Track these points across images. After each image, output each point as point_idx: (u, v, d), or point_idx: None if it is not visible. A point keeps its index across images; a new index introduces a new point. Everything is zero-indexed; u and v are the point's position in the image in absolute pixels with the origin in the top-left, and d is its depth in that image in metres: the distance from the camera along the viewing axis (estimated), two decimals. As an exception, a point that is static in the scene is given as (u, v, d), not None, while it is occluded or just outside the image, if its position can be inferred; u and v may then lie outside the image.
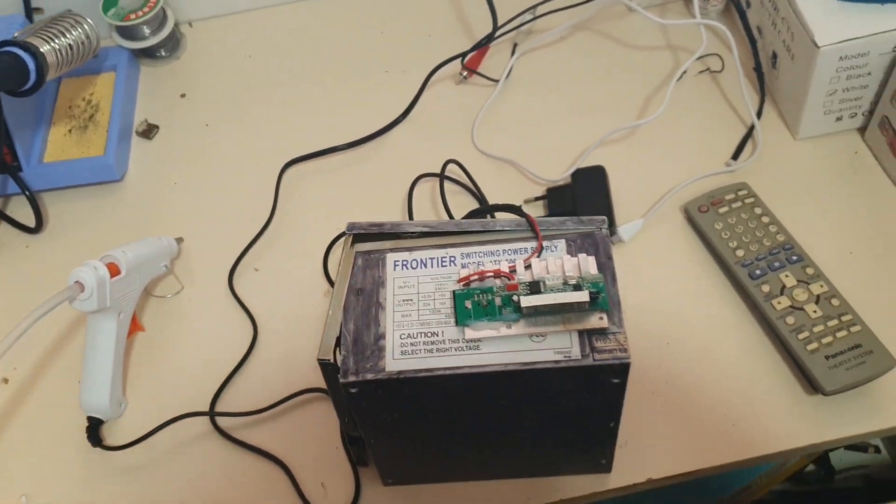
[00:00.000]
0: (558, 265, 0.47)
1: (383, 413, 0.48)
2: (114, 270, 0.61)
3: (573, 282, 0.46)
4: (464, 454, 0.55)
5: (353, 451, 0.59)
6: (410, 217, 0.70)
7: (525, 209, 0.53)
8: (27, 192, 0.74)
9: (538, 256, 0.48)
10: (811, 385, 0.58)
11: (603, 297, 0.45)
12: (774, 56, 0.72)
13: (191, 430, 0.62)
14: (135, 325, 0.66)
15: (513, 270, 0.47)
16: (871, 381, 0.58)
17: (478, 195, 0.71)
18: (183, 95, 0.82)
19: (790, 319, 0.60)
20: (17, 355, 0.67)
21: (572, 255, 0.48)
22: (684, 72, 0.77)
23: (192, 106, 0.81)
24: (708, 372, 0.61)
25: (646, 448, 0.58)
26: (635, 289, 0.65)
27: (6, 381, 0.66)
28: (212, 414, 0.62)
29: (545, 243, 0.49)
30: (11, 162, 0.74)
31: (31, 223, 0.74)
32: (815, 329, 0.59)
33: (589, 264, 0.47)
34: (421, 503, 0.58)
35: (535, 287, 0.46)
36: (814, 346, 0.58)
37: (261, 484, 0.60)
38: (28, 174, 0.75)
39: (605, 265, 0.48)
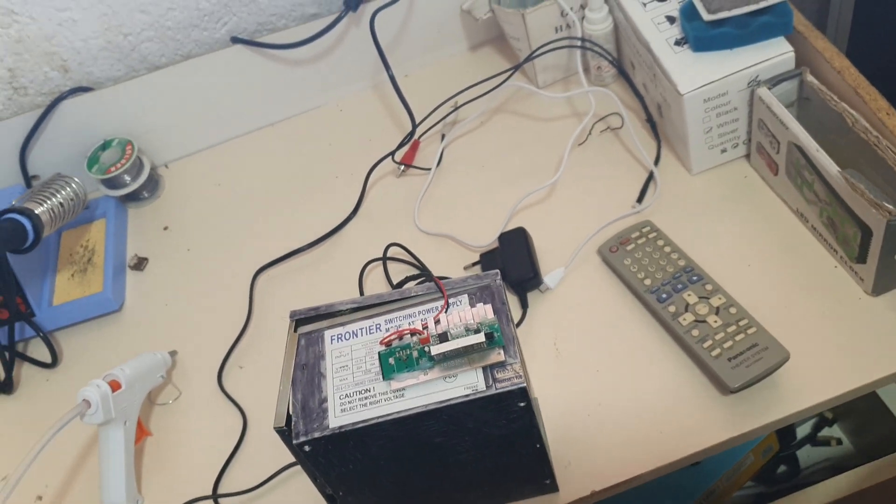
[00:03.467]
0: (462, 316, 0.57)
1: (340, 466, 0.57)
2: (115, 386, 0.71)
3: (474, 327, 0.55)
4: (423, 494, 0.63)
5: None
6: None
7: (465, 275, 0.63)
8: (41, 334, 0.85)
9: (445, 312, 0.58)
10: (720, 386, 0.66)
11: (498, 335, 0.55)
12: (659, 107, 0.83)
13: (199, 514, 0.72)
14: (142, 431, 0.76)
15: (425, 327, 0.57)
16: (770, 374, 0.66)
17: (421, 269, 0.81)
18: (166, 228, 0.94)
19: (695, 332, 0.68)
20: (47, 474, 0.77)
21: (473, 306, 0.58)
22: (589, 134, 0.87)
23: (175, 236, 0.93)
24: (634, 390, 0.69)
25: (587, 464, 0.66)
26: (565, 328, 0.74)
27: (40, 498, 0.76)
28: (214, 496, 0.71)
29: (451, 300, 0.59)
30: (25, 310, 0.86)
31: (49, 360, 0.85)
32: (717, 336, 0.67)
33: (486, 311, 0.57)
34: (400, 545, 0.66)
35: (443, 337, 0.55)
36: (717, 351, 0.67)
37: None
38: (41, 318, 0.86)
39: (500, 310, 0.57)
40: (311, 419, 0.55)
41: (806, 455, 0.94)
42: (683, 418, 0.67)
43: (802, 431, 0.97)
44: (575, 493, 0.65)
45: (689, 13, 0.77)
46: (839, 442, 0.94)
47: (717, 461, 0.88)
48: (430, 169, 0.90)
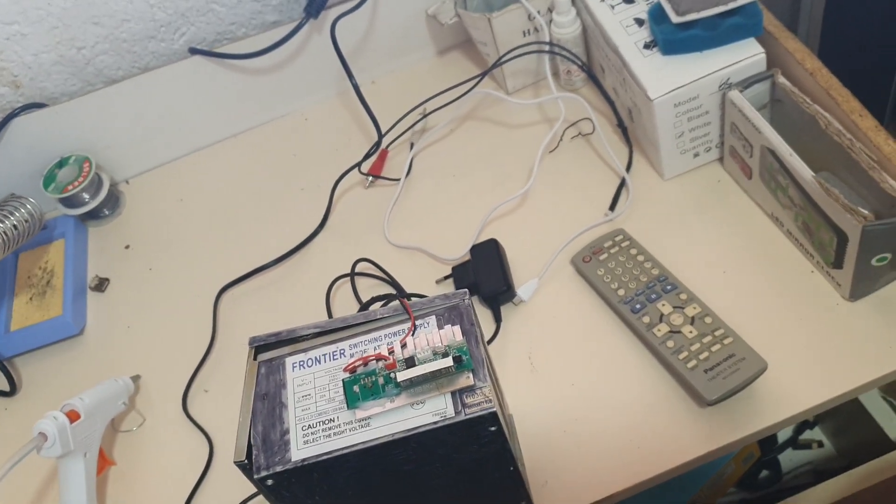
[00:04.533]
0: (429, 339, 0.55)
1: (305, 498, 0.55)
2: (73, 416, 0.69)
3: (442, 351, 0.53)
4: (396, 521, 0.61)
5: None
6: (329, 317, 0.77)
7: (437, 289, 0.61)
8: (-1, 362, 0.82)
9: (412, 335, 0.56)
10: (697, 398, 0.65)
11: (467, 358, 0.53)
12: (630, 111, 0.81)
13: (164, 547, 0.69)
14: (104, 461, 0.73)
15: (391, 352, 0.55)
16: (748, 385, 0.64)
17: (391, 284, 0.79)
18: (127, 247, 0.91)
19: (670, 343, 0.67)
20: (6, 510, 0.74)
21: (441, 328, 0.56)
22: (560, 140, 0.85)
23: (136, 255, 0.90)
24: (609, 404, 0.67)
25: (564, 483, 0.64)
26: (539, 342, 0.72)
27: (-1, 534, 0.73)
28: (180, 528, 0.69)
29: (418, 322, 0.57)
30: (-19, 336, 0.83)
31: (7, 388, 0.82)
32: (693, 347, 0.66)
33: (455, 333, 0.55)
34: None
35: (410, 362, 0.53)
36: (693, 363, 0.65)
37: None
38: (-2, 344, 0.83)
39: (469, 331, 0.55)
40: (272, 452, 0.53)
41: (788, 459, 0.93)
42: (661, 432, 0.65)
43: (784, 435, 0.96)
44: (552, 513, 0.63)
45: (657, 16, 0.75)
46: (820, 444, 0.93)
47: (699, 471, 0.87)
48: (398, 179, 0.87)
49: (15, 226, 0.81)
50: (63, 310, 0.84)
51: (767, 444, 0.94)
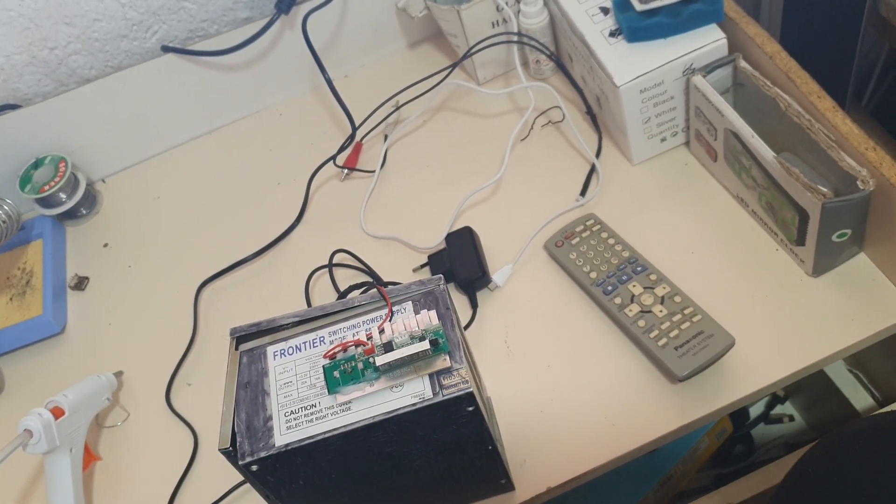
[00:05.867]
0: (406, 324, 0.56)
1: (290, 483, 0.57)
2: (58, 413, 0.69)
3: (419, 335, 0.55)
4: (380, 503, 0.62)
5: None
6: (309, 307, 0.79)
7: (414, 277, 0.62)
8: (-19, 362, 0.83)
9: (390, 320, 0.57)
10: (669, 375, 0.67)
11: (443, 341, 0.54)
12: (598, 98, 0.83)
13: (153, 538, 0.70)
14: (90, 456, 0.74)
15: (370, 337, 0.56)
16: (717, 361, 0.66)
17: (369, 273, 0.80)
18: (106, 245, 0.92)
19: (641, 322, 0.69)
20: (-7, 507, 0.75)
21: (417, 313, 0.57)
22: (531, 129, 0.87)
23: (115, 253, 0.91)
24: (585, 383, 0.69)
25: (542, 461, 0.66)
26: (515, 326, 0.74)
27: (-13, 532, 0.74)
28: (167, 519, 0.70)
29: (395, 307, 0.58)
30: (-38, 338, 0.83)
31: (-10, 388, 0.83)
32: (663, 326, 0.68)
33: (431, 317, 0.56)
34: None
35: (388, 347, 0.55)
36: (663, 341, 0.67)
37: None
38: (-21, 346, 0.84)
39: (445, 315, 0.57)
40: (256, 438, 0.54)
41: (760, 433, 0.96)
42: (635, 409, 0.67)
43: (756, 411, 0.99)
44: (531, 490, 0.65)
45: (622, 4, 0.77)
46: (791, 419, 0.96)
47: (673, 447, 0.89)
48: (373, 171, 0.89)
49: (-8, 227, 0.81)
50: (44, 309, 0.85)
51: (740, 419, 0.97)
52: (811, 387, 0.92)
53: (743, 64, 0.74)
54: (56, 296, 0.86)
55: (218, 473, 0.72)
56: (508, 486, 0.65)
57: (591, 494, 0.87)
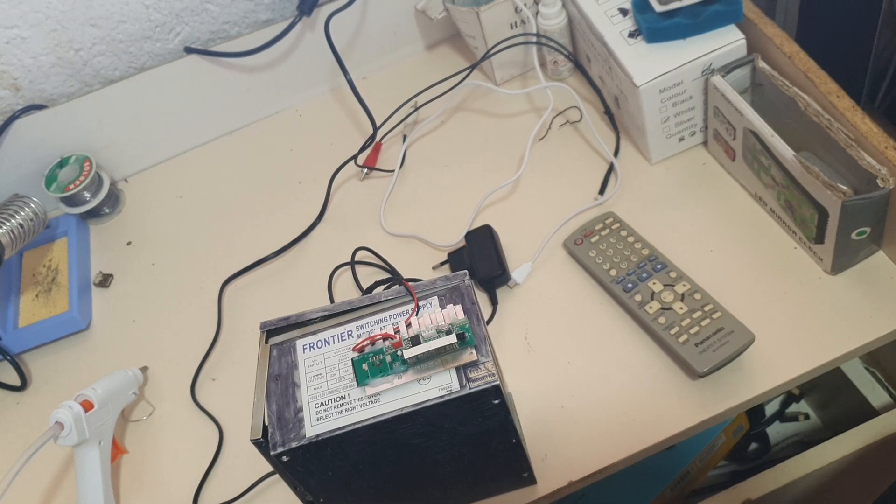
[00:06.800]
0: (433, 318, 0.57)
1: (319, 473, 0.58)
2: (87, 406, 0.71)
3: (445, 329, 0.56)
4: (404, 494, 0.63)
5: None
6: (332, 303, 0.80)
7: (434, 275, 0.63)
8: (8, 357, 0.84)
9: (416, 315, 0.58)
10: (689, 371, 0.68)
11: (469, 335, 0.55)
12: (616, 98, 0.84)
13: (179, 530, 0.71)
14: (117, 450, 0.75)
15: (397, 331, 0.57)
16: (737, 357, 0.67)
17: (389, 271, 0.81)
18: (129, 243, 0.93)
19: (662, 319, 0.69)
20: (24, 498, 0.76)
21: (443, 308, 0.58)
22: (549, 128, 0.88)
23: (139, 251, 0.92)
24: (605, 379, 0.70)
25: (563, 456, 0.67)
26: (535, 323, 0.75)
27: (15, 524, 0.75)
28: (194, 511, 0.71)
29: (421, 303, 0.59)
30: (-10, 334, 0.85)
31: (17, 383, 0.84)
32: (683, 323, 0.69)
33: (457, 312, 0.57)
34: (383, 547, 0.66)
35: (415, 340, 0.56)
36: (684, 337, 0.68)
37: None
38: (7, 341, 0.85)
39: (470, 309, 0.58)
40: (287, 429, 0.55)
41: (776, 431, 0.96)
42: (654, 405, 0.68)
43: (771, 409, 1.00)
44: (552, 484, 0.66)
45: (641, 5, 0.78)
46: (807, 417, 0.96)
47: (690, 444, 0.90)
48: (393, 171, 0.90)
49: (21, 224, 0.82)
50: (70, 305, 0.86)
51: (756, 417, 0.97)
52: (827, 385, 0.93)
53: (762, 64, 0.74)
54: (81, 292, 0.88)
55: (243, 467, 0.73)
56: (531, 480, 0.66)
57: (609, 490, 0.88)
